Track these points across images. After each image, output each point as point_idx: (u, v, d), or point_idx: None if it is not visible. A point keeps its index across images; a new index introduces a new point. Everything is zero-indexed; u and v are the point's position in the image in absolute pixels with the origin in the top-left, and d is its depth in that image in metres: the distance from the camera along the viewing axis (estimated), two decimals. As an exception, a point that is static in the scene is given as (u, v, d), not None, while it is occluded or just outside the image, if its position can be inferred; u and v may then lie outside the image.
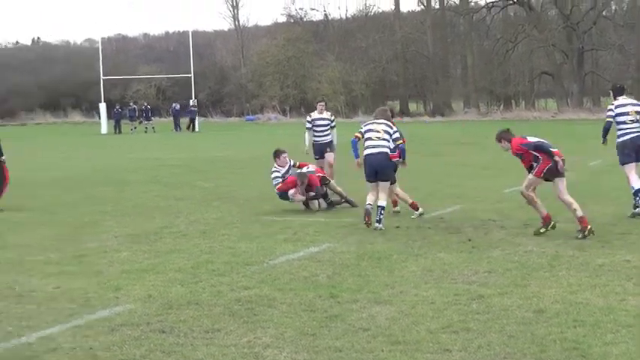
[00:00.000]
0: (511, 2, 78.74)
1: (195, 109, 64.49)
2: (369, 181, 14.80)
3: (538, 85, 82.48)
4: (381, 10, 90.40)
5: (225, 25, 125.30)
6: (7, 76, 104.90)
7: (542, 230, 13.30)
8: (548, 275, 10.36)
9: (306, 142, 19.88)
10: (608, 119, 15.87)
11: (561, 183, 13.30)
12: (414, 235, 13.52)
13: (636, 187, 15.17)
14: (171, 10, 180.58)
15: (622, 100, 15.90)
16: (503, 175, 22.68)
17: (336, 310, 8.88)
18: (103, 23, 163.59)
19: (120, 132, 62.72)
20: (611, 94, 16.36)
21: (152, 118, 65.87)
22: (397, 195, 16.03)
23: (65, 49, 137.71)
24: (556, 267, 10.83)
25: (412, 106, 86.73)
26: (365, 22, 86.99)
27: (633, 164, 15.48)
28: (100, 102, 66.39)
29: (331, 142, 19.88)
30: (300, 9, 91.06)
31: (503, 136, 14.03)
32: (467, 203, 17.36)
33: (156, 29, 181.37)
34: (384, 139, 14.77)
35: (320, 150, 19.74)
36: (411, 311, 8.79)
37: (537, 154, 13.45)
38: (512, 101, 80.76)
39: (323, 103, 20.42)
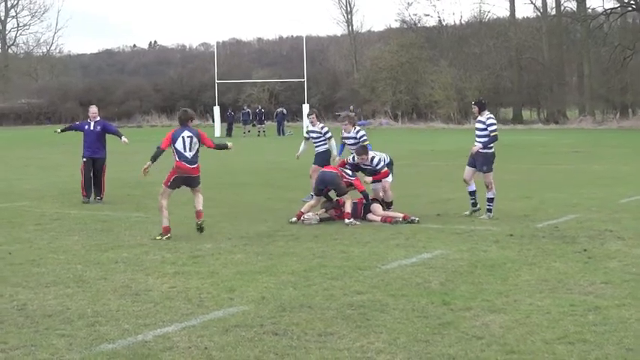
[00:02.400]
0: (630, 8, 77.04)
1: (354, 114, 63.48)
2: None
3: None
4: (495, 17, 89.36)
5: (339, 30, 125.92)
6: (125, 79, 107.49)
7: None
8: (668, 288, 10.11)
9: (299, 149, 21.17)
10: None
11: None
12: (528, 244, 13.34)
13: None
14: (286, 15, 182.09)
15: None
16: (619, 184, 22.28)
17: (449, 318, 8.82)
18: (218, 27, 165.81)
19: (231, 135, 63.42)
20: None
21: (265, 121, 66.25)
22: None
23: (181, 53, 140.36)
24: (676, 280, 10.57)
25: (526, 114, 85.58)
26: (479, 28, 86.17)
27: None
28: (214, 105, 67.26)
29: (321, 153, 20.27)
30: (414, 14, 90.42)
31: None
32: (582, 212, 17.05)
33: (270, 34, 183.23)
34: None
35: (315, 160, 20.25)
36: (526, 320, 8.67)
37: None
38: (630, 110, 78.97)
39: (312, 116, 20.89)
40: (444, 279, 10.74)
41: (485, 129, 16.49)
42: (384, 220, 16.11)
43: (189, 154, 14.89)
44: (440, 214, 16.91)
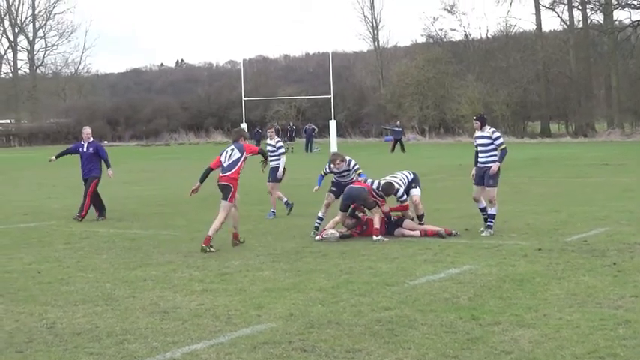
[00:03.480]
0: (657, 20, 76.69)
1: (400, 129, 62.25)
2: None
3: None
4: (522, 30, 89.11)
5: (365, 46, 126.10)
6: (152, 97, 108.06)
7: None
8: (699, 301, 10.02)
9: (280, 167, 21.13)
10: None
11: None
12: (557, 258, 13.26)
13: None
14: (312, 31, 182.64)
15: None
16: (649, 197, 22.16)
17: (478, 333, 8.78)
18: (244, 45, 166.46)
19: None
20: None
21: (295, 138, 66.23)
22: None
23: (208, 71, 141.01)
24: None
25: (554, 127, 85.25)
26: (506, 42, 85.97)
27: None
28: (242, 122, 67.48)
29: (274, 169, 20.88)
30: (440, 29, 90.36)
31: None
32: (611, 226, 16.94)
33: (296, 51, 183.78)
34: None
35: (270, 176, 20.87)
36: (555, 335, 8.62)
37: None
38: (659, 122, 78.56)
39: (272, 130, 21.55)
40: (473, 294, 10.70)
41: (492, 143, 16.36)
42: (424, 233, 16.11)
43: (226, 163, 15.41)
44: (468, 229, 16.85)
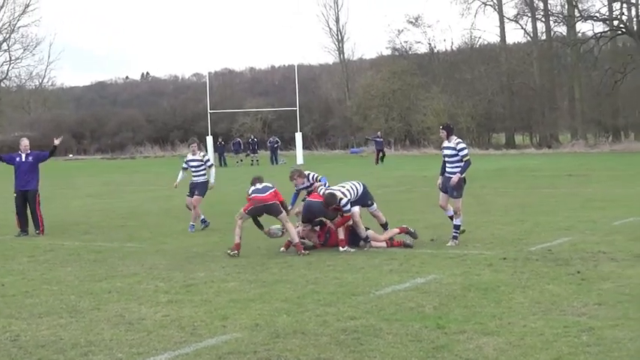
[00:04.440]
0: (620, 32, 77.35)
1: (381, 139, 61.85)
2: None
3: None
4: (486, 42, 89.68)
5: (331, 58, 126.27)
6: (117, 111, 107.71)
7: None
8: (661, 308, 10.11)
9: (177, 179, 21.50)
10: None
11: None
12: (522, 267, 13.33)
13: None
14: (277, 44, 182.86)
15: None
16: (612, 207, 22.32)
17: (443, 341, 8.81)
18: (210, 58, 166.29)
19: (225, 164, 63.50)
20: None
21: (258, 151, 66.28)
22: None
23: (174, 84, 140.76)
24: (669, 300, 10.57)
25: (518, 139, 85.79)
26: (470, 54, 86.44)
27: None
28: (207, 135, 67.34)
29: (202, 183, 20.88)
30: (405, 42, 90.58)
31: None
32: (575, 235, 17.06)
33: (262, 63, 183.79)
34: None
35: (191, 189, 20.89)
36: (520, 343, 8.67)
37: None
38: (622, 133, 79.20)
39: (194, 145, 21.38)
40: (438, 303, 10.74)
41: (457, 154, 16.39)
42: (390, 244, 16.15)
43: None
44: (433, 239, 16.90)
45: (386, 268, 13.72)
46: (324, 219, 16.60)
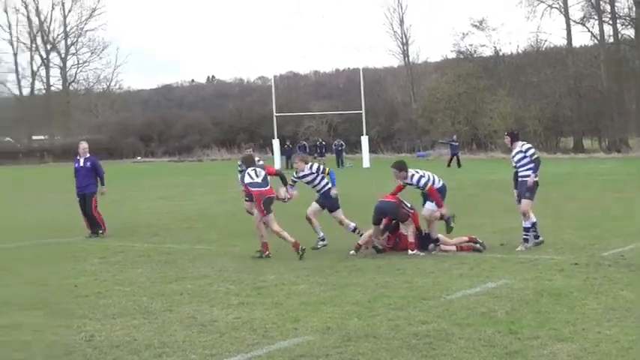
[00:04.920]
0: (690, 34, 76.06)
1: (457, 143, 61.10)
2: None
3: None
4: (552, 45, 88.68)
5: (395, 61, 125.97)
6: (184, 113, 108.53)
7: None
8: None
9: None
10: None
11: None
12: (594, 273, 13.16)
13: None
14: (342, 47, 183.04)
15: None
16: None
17: (516, 347, 8.74)
18: (275, 61, 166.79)
19: (292, 167, 63.64)
20: None
21: (325, 154, 66.19)
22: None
23: (239, 87, 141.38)
24: None
25: (586, 143, 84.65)
26: (536, 57, 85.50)
27: None
28: (274, 138, 67.55)
29: None
30: (469, 45, 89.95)
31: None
32: (648, 241, 16.80)
33: (326, 66, 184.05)
34: None
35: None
36: (595, 350, 8.56)
37: None
38: (693, 136, 77.76)
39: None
40: (510, 308, 10.65)
41: (525, 156, 16.25)
42: (460, 248, 16.07)
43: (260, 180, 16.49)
44: (503, 244, 16.77)
45: (456, 272, 13.64)
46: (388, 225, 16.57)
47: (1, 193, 42.90)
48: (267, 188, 16.30)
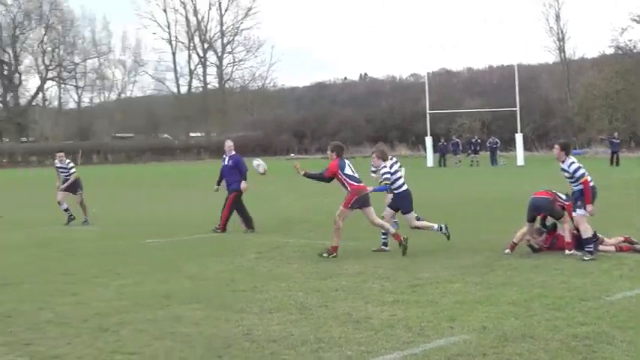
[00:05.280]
0: None
1: (618, 140, 59.63)
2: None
3: None
4: None
5: (550, 57, 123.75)
6: (337, 110, 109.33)
7: None
8: None
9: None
10: None
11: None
12: None
13: None
14: (495, 44, 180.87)
15: None
16: None
17: (682, 352, 8.46)
18: (427, 58, 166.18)
19: (445, 165, 63.40)
20: None
21: (479, 152, 65.58)
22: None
23: (391, 84, 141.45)
24: None
25: None
26: None
27: None
28: (426, 135, 67.35)
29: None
30: (629, 40, 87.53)
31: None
32: None
33: (479, 63, 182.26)
34: None
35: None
36: None
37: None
38: None
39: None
40: (674, 311, 10.32)
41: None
42: (619, 249, 15.67)
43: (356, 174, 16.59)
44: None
45: (615, 273, 13.31)
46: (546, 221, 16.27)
47: (159, 189, 44.12)
48: (363, 184, 16.41)
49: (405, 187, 16.99)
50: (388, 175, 16.91)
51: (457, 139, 68.58)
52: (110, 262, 16.18)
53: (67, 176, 24.85)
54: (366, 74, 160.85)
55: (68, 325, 10.42)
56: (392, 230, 16.37)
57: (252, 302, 11.64)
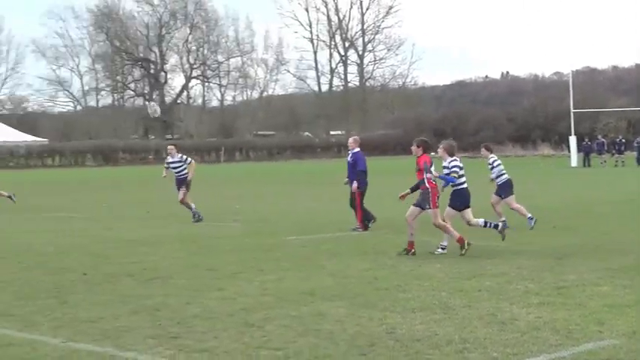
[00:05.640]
0: None
1: None
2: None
3: None
4: None
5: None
6: (478, 109, 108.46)
7: None
8: None
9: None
10: None
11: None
12: None
13: None
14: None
15: None
16: None
17: None
18: (571, 56, 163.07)
19: (589, 165, 62.12)
20: None
21: (624, 152, 63.98)
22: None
23: (533, 82, 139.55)
24: None
25: None
26: None
27: None
28: (570, 135, 66.08)
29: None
30: None
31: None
32: None
33: (626, 61, 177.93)
34: None
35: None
36: None
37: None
38: None
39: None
40: None
41: None
42: None
43: None
44: None
45: None
46: None
47: (299, 187, 44.51)
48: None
49: (465, 185, 17.03)
50: (457, 169, 16.88)
51: (602, 139, 67.04)
52: (252, 258, 16.39)
53: (181, 171, 24.78)
54: (507, 72, 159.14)
55: (215, 320, 10.60)
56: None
57: (395, 301, 11.61)
